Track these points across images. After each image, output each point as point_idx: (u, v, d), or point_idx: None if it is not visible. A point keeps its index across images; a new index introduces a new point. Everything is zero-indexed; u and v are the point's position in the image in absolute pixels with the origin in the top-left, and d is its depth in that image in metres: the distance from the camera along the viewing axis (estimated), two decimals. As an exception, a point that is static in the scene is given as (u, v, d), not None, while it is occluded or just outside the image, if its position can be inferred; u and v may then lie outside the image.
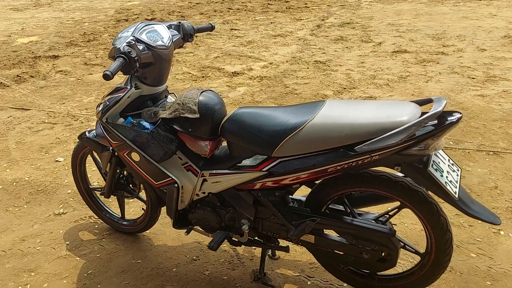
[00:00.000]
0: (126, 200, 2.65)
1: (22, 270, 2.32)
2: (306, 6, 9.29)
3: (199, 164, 2.01)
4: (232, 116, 1.88)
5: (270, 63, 5.61)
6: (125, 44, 1.78)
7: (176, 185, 1.98)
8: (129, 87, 1.95)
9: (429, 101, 1.67)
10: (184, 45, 2.18)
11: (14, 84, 5.25)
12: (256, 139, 1.79)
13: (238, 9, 9.36)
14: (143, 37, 1.88)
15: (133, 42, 1.80)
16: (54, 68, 5.82)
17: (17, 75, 5.51)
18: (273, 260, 2.31)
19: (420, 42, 6.16)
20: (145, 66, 1.91)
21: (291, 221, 1.88)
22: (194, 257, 2.35)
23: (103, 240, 2.52)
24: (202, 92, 1.93)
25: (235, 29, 7.53)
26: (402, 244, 1.87)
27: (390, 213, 1.84)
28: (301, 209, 1.91)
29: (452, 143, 3.37)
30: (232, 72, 5.30)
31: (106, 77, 1.63)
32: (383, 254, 1.82)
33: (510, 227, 2.46)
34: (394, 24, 7.28)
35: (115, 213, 2.58)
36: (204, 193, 2.03)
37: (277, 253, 2.34)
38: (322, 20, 7.94)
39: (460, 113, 1.59)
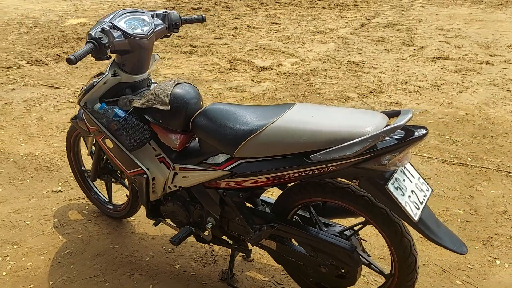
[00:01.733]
0: (119, 185, 2.68)
1: (7, 241, 2.40)
2: (355, 4, 9.02)
3: (171, 156, 1.98)
4: (202, 112, 1.84)
5: (302, 60, 5.50)
6: (98, 30, 1.77)
7: (145, 175, 1.97)
8: (107, 73, 1.95)
9: (397, 113, 1.54)
10: (170, 35, 2.14)
11: (52, 63, 5.47)
12: (220, 137, 1.74)
13: (285, 3, 9.25)
14: (121, 24, 1.86)
15: (107, 29, 1.79)
16: (93, 50, 6.01)
17: (57, 54, 5.74)
18: (246, 261, 2.25)
19: (465, 49, 5.80)
20: (122, 54, 1.90)
21: (252, 224, 1.81)
22: (170, 249, 2.34)
23: (89, 222, 2.57)
24: (177, 84, 1.89)
25: (276, 23, 7.45)
26: (367, 262, 1.76)
27: (355, 228, 1.73)
28: (264, 214, 1.84)
29: (470, 159, 3.14)
30: (261, 67, 5.24)
31: (69, 61, 1.64)
32: (342, 270, 1.72)
33: (509, 257, 2.25)
34: (443, 28, 6.90)
35: (103, 196, 2.61)
36: (175, 186, 2.00)
37: (252, 255, 2.28)
38: (368, 19, 7.67)
39: (426, 129, 1.45)
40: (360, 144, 1.42)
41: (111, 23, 1.84)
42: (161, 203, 2.09)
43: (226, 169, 1.75)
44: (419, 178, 1.60)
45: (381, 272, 1.76)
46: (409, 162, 1.60)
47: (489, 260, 2.23)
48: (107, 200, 2.59)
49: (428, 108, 4.01)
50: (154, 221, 2.13)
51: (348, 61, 5.43)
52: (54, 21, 7.87)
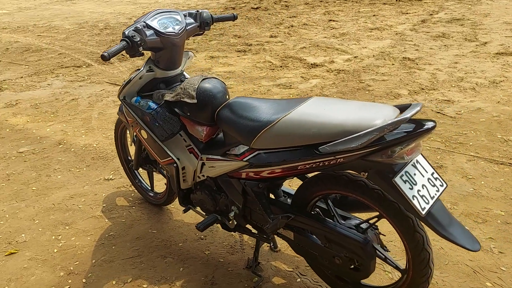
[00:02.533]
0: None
1: (61, 223, 2.66)
2: (418, -1, 8.71)
3: (200, 147, 2.10)
4: (226, 105, 1.93)
5: (355, 57, 5.44)
6: (131, 29, 1.93)
7: (175, 165, 2.10)
8: (142, 69, 2.11)
9: (409, 106, 1.53)
10: (203, 33, 2.26)
11: (117, 62, 5.86)
12: (240, 128, 1.82)
13: (345, 0, 9.13)
14: (154, 23, 2.01)
15: (140, 28, 1.94)
16: (154, 49, 6.34)
17: (122, 54, 6.13)
18: (273, 251, 2.32)
19: (535, 44, 5.43)
20: (156, 51, 2.05)
21: (270, 214, 1.88)
22: (202, 236, 2.47)
23: (133, 207, 2.77)
24: (204, 79, 2.01)
25: (333, 20, 7.40)
26: (383, 256, 1.76)
27: (370, 221, 1.75)
28: (282, 204, 1.90)
29: (521, 159, 2.97)
30: (312, 64, 5.26)
31: (103, 57, 1.80)
32: (357, 262, 1.74)
33: (549, 262, 2.13)
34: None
35: (146, 184, 2.80)
36: (203, 176, 2.12)
37: (278, 245, 2.34)
38: (430, 14, 7.38)
39: (434, 122, 1.44)
40: (365, 136, 1.44)
41: (144, 22, 1.99)
42: (192, 191, 2.22)
43: (245, 159, 1.83)
44: (432, 173, 1.58)
45: (396, 267, 1.76)
46: (423, 156, 1.59)
47: (525, 264, 2.13)
48: (149, 188, 2.78)
49: (482, 106, 3.83)
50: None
51: (403, 57, 5.29)
52: (123, 23, 8.38)
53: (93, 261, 2.33)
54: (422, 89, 4.31)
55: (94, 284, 2.18)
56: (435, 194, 1.53)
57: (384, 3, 8.56)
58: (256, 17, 7.96)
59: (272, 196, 2.05)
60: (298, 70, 5.12)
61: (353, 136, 1.47)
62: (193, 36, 2.22)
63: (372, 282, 2.07)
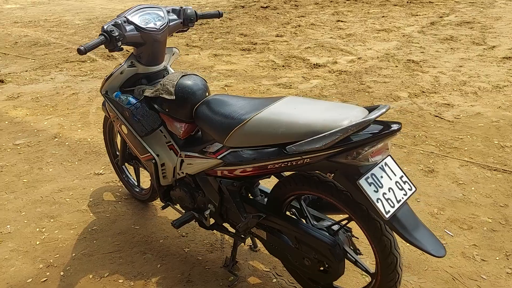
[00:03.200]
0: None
1: (46, 215, 2.68)
2: (430, 2, 8.58)
3: (179, 144, 2.10)
4: (203, 102, 1.92)
5: (358, 58, 5.38)
6: (111, 23, 1.92)
7: (154, 161, 2.10)
8: (124, 64, 2.11)
9: (377, 107, 1.50)
10: (187, 30, 2.25)
11: (121, 58, 5.90)
12: (214, 126, 1.81)
13: (356, 1, 9.05)
14: (135, 18, 2.00)
15: (120, 22, 1.94)
16: (160, 46, 6.36)
17: (127, 50, 6.16)
18: (252, 251, 2.31)
19: (544, 49, 5.31)
20: (137, 46, 2.04)
21: (243, 213, 1.87)
22: (184, 234, 2.46)
23: (119, 203, 2.78)
24: (184, 75, 2.00)
25: (341, 21, 7.34)
26: (353, 259, 1.73)
27: (342, 223, 1.72)
28: (256, 203, 1.88)
29: (516, 166, 2.91)
30: (314, 64, 5.22)
31: (79, 51, 1.80)
32: (326, 265, 1.71)
33: (532, 272, 2.08)
34: (523, 26, 6.36)
35: (133, 180, 2.81)
36: (183, 173, 2.11)
37: (258, 245, 2.32)
38: (440, 17, 7.28)
39: (399, 124, 1.41)
40: (330, 137, 1.42)
41: (125, 17, 1.99)
42: (172, 188, 2.22)
43: (218, 157, 1.82)
44: (401, 176, 1.55)
45: (366, 271, 1.73)
46: (392, 159, 1.56)
47: (507, 273, 2.08)
48: (135, 184, 2.78)
49: (482, 111, 3.76)
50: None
51: (407, 59, 5.22)
52: (132, 19, 8.41)
53: (73, 254, 2.34)
54: (423, 92, 4.24)
55: (71, 277, 2.19)
56: (402, 198, 1.50)
57: (395, 5, 8.47)
58: (265, 16, 7.94)
59: (250, 195, 2.03)
60: (300, 70, 5.08)
61: (318, 136, 1.45)
62: (176, 32, 2.21)
63: (348, 285, 2.04)
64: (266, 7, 8.80)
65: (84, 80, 5.09)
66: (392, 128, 1.39)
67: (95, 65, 5.66)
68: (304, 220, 1.81)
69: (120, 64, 2.16)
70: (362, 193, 1.44)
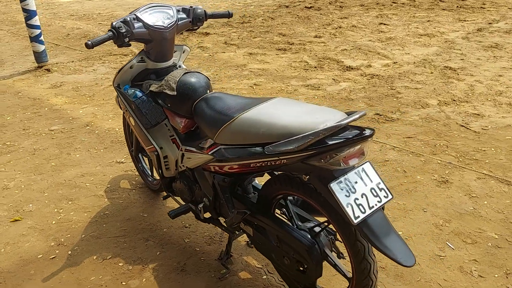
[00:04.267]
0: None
1: (66, 198, 2.87)
2: (481, 7, 8.22)
3: (181, 138, 2.19)
4: (202, 99, 2.00)
5: (394, 62, 5.28)
6: (120, 20, 2.04)
7: (156, 153, 2.20)
8: (134, 59, 2.22)
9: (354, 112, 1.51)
10: (197, 28, 2.33)
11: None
12: (207, 122, 1.88)
13: (403, 3, 8.83)
14: (144, 16, 2.11)
15: (129, 19, 2.05)
16: (199, 43, 6.53)
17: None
18: (248, 247, 2.36)
19: None
20: (146, 43, 2.15)
21: (231, 208, 1.93)
22: (187, 225, 2.56)
23: (133, 191, 2.92)
24: (187, 72, 2.08)
25: (383, 24, 7.20)
26: (333, 262, 1.75)
27: (322, 226, 1.74)
28: (244, 200, 1.94)
29: (537, 183, 2.78)
30: (347, 66, 5.17)
31: (87, 45, 1.93)
32: (305, 265, 1.74)
33: (530, 292, 2.00)
34: None
35: (147, 169, 2.93)
36: (184, 166, 2.21)
37: (255, 242, 2.38)
38: (489, 23, 6.97)
39: (372, 130, 1.41)
40: (302, 140, 1.45)
41: (134, 15, 2.10)
42: (174, 181, 2.32)
43: (209, 153, 1.89)
44: (378, 183, 1.55)
45: (344, 275, 1.74)
46: (371, 166, 1.57)
47: (503, 291, 2.01)
48: (149, 173, 2.91)
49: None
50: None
51: (444, 66, 5.06)
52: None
53: (83, 236, 2.50)
54: (454, 100, 4.11)
55: (77, 257, 2.34)
56: (375, 205, 1.50)
57: (443, 9, 8.19)
58: (307, 17, 7.92)
59: (244, 192, 2.08)
60: (332, 72, 5.06)
61: (293, 138, 1.48)
62: (186, 31, 2.30)
63: (333, 287, 2.06)
64: (310, 7, 8.77)
65: (122, 72, 5.32)
66: (365, 134, 1.40)
67: (136, 58, 5.89)
68: (289, 220, 1.85)
69: (132, 58, 2.28)
70: (333, 197, 1.46)
